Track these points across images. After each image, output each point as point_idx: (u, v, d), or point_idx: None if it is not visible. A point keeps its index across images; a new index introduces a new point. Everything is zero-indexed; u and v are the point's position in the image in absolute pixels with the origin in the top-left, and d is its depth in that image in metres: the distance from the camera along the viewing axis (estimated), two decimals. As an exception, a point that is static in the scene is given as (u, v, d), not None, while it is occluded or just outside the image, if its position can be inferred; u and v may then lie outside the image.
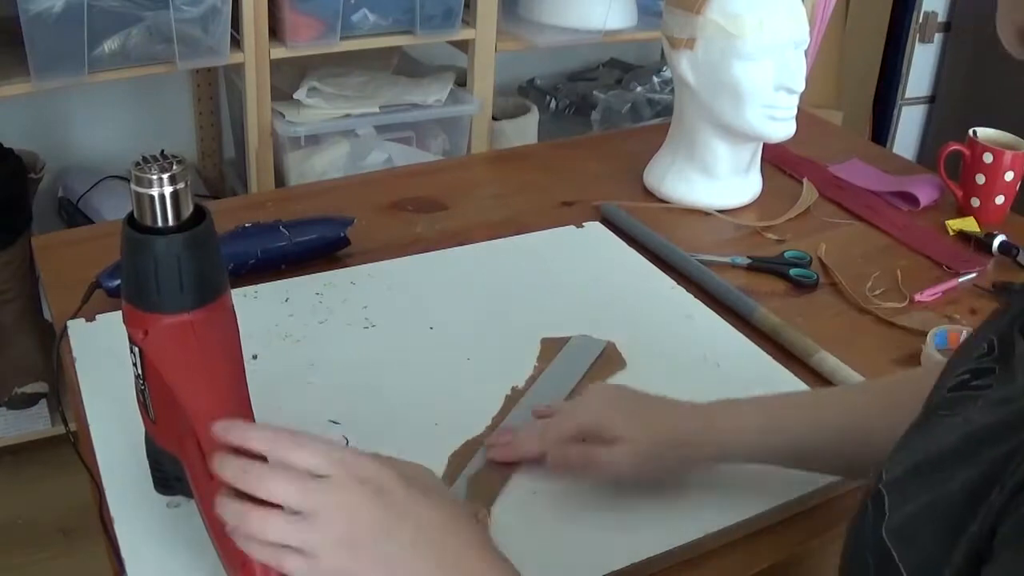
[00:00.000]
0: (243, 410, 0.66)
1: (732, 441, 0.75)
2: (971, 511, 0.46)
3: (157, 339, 0.65)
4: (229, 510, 0.57)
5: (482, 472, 0.80)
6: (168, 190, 0.62)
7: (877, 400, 0.77)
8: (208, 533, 0.65)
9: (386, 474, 0.58)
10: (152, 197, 0.63)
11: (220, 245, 0.67)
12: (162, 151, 0.64)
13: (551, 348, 0.96)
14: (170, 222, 0.63)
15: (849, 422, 0.75)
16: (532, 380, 0.91)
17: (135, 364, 0.67)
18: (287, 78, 1.76)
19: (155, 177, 0.62)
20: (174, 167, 0.63)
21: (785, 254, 1.17)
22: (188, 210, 0.64)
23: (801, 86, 1.18)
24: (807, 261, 1.16)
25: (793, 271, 1.13)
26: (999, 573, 0.43)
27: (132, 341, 0.66)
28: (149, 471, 0.75)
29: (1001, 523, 0.44)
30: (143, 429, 0.82)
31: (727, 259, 1.15)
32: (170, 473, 0.72)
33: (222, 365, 0.66)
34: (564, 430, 0.77)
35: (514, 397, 0.89)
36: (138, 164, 0.63)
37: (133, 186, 0.63)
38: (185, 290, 0.64)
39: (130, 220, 0.64)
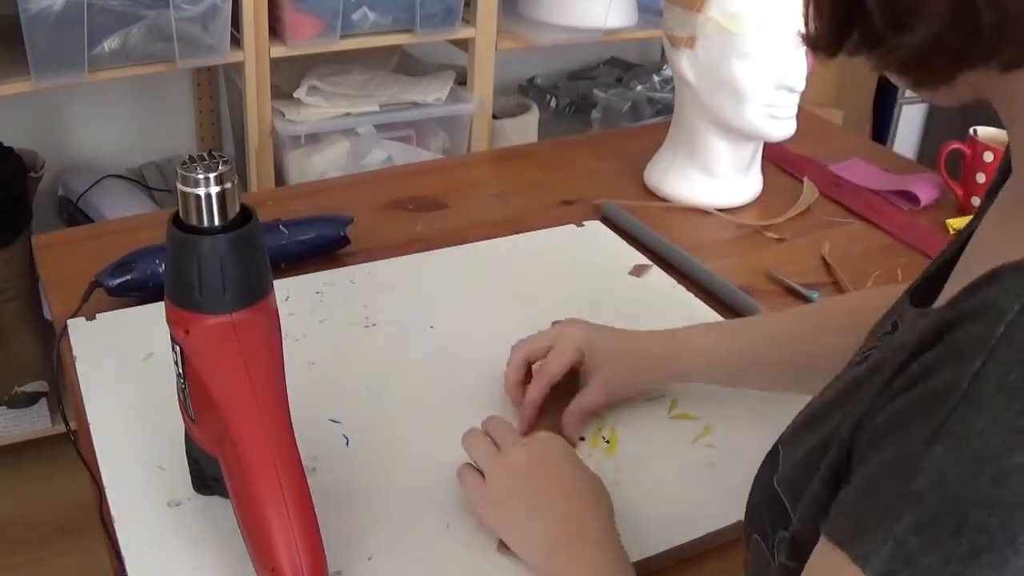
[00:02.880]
0: (281, 414, 0.65)
1: (695, 359, 0.85)
2: (834, 441, 0.48)
3: (198, 339, 0.64)
4: (466, 436, 0.78)
5: None
6: (215, 190, 0.62)
7: (831, 319, 0.83)
8: (242, 535, 0.65)
9: (560, 447, 0.75)
10: (198, 197, 0.62)
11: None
12: (209, 150, 0.63)
13: None
14: (216, 222, 0.63)
15: (800, 334, 0.82)
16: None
17: (176, 363, 0.67)
18: (287, 77, 1.76)
19: (201, 177, 0.61)
20: (220, 166, 0.62)
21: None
22: (234, 210, 0.63)
23: (801, 85, 1.18)
24: None
25: None
26: (856, 480, 0.44)
27: (174, 340, 0.66)
28: (147, 472, 0.75)
29: (859, 437, 0.45)
30: (143, 428, 0.82)
31: (804, 290, 1.10)
32: (208, 473, 0.72)
33: (262, 367, 0.65)
34: (543, 387, 0.85)
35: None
36: (184, 163, 0.62)
37: (179, 185, 0.62)
38: (228, 291, 0.63)
39: (175, 219, 0.64)
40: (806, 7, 0.48)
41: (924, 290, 0.55)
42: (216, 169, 0.62)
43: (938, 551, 0.38)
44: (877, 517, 0.40)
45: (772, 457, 0.57)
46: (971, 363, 0.39)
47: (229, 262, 0.63)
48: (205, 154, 0.63)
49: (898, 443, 0.41)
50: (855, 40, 0.46)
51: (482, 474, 0.74)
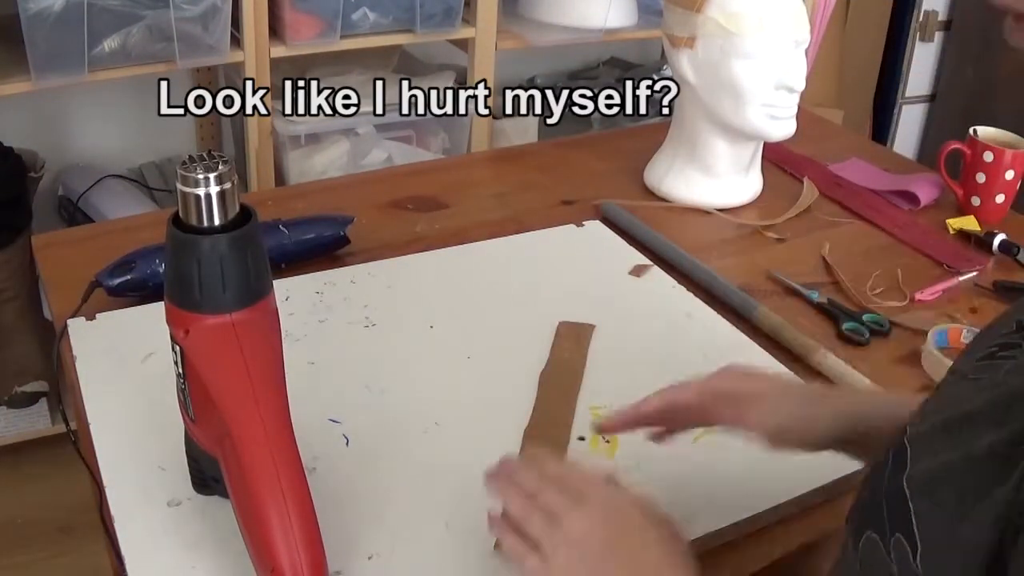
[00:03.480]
0: (281, 415, 0.65)
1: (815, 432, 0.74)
2: (996, 473, 0.45)
3: (198, 339, 0.64)
4: (505, 492, 0.66)
5: None
6: (215, 190, 0.62)
7: None
8: (242, 535, 0.65)
9: (629, 502, 0.64)
10: (198, 197, 0.62)
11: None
12: (209, 150, 0.63)
13: (570, 333, 0.97)
14: (216, 222, 0.63)
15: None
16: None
17: (176, 363, 0.67)
18: (287, 76, 1.75)
19: (201, 177, 0.61)
20: (220, 166, 0.62)
21: (864, 317, 1.06)
22: (234, 210, 0.63)
23: (801, 85, 1.18)
24: (885, 329, 1.05)
25: (847, 325, 1.04)
26: None
27: (174, 340, 0.66)
28: (147, 472, 0.75)
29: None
30: (143, 428, 0.82)
31: (804, 290, 1.10)
32: (208, 473, 0.72)
33: (262, 368, 0.65)
34: (714, 387, 0.77)
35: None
36: (184, 163, 0.62)
37: (179, 185, 0.62)
38: (228, 291, 0.63)
39: (175, 219, 0.63)
40: None
41: None
42: (216, 169, 0.62)
43: None
44: None
45: (898, 455, 0.54)
46: None
47: (229, 262, 0.63)
48: (205, 154, 0.63)
49: None
50: None
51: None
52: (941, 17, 2.67)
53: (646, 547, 0.63)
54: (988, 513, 0.45)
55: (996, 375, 0.52)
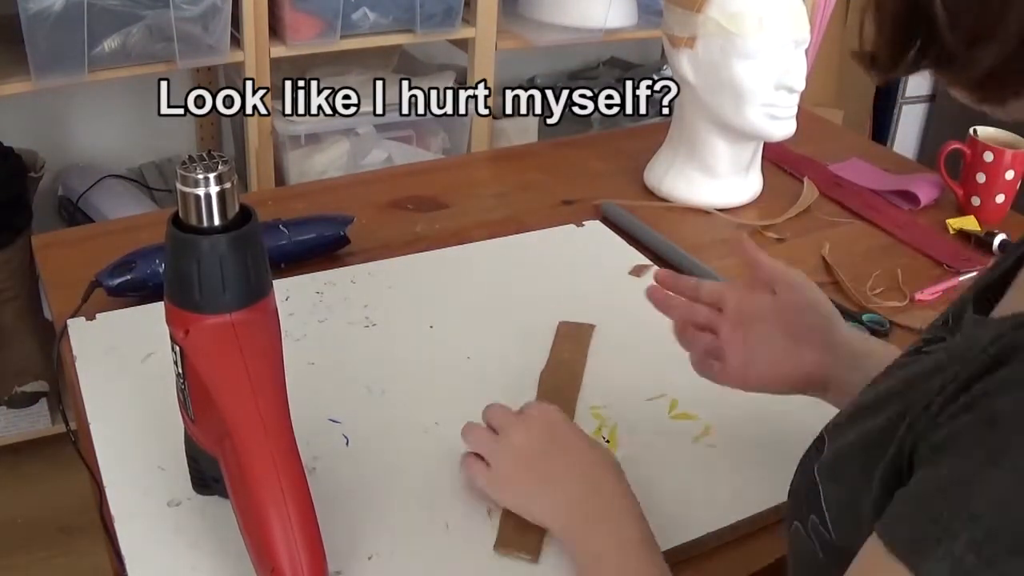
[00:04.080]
0: (281, 414, 0.65)
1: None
2: (883, 447, 0.49)
3: (198, 339, 0.64)
4: (464, 429, 0.78)
5: None
6: (215, 190, 0.62)
7: None
8: (242, 535, 0.65)
9: (561, 419, 0.76)
10: (198, 197, 0.62)
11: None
12: (209, 150, 0.63)
13: (570, 333, 0.97)
14: (215, 222, 0.62)
15: None
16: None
17: (176, 363, 0.67)
18: (287, 76, 1.76)
19: (201, 176, 0.61)
20: (220, 166, 0.62)
21: (864, 317, 1.07)
22: (234, 210, 0.63)
23: (801, 85, 1.18)
24: (885, 329, 1.05)
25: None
26: (914, 489, 0.45)
27: (173, 340, 0.66)
28: (147, 472, 0.75)
29: (919, 445, 0.46)
30: (143, 428, 0.82)
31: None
32: (208, 473, 0.72)
33: (261, 368, 0.65)
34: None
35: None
36: (184, 163, 0.62)
37: (179, 185, 0.62)
38: (228, 291, 0.63)
39: (175, 219, 0.63)
40: (861, 25, 0.47)
41: (983, 294, 0.56)
42: (216, 169, 0.62)
43: (993, 570, 0.39)
44: (936, 534, 0.41)
45: (817, 445, 0.58)
46: None
47: (229, 262, 0.63)
48: (205, 154, 0.63)
49: (958, 461, 0.43)
50: (920, 58, 0.45)
51: (485, 460, 0.75)
52: (941, 17, 2.67)
53: (581, 452, 0.73)
54: (879, 477, 0.49)
55: (912, 366, 0.55)
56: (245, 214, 0.64)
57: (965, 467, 0.42)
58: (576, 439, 0.74)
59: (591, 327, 0.99)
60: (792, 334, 0.77)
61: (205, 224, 0.62)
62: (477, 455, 0.76)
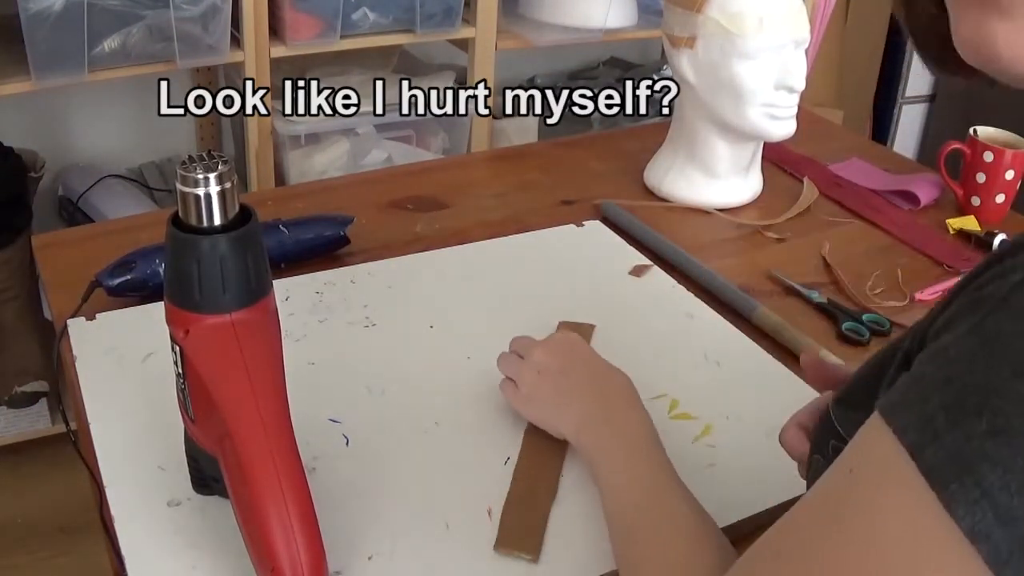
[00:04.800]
0: (281, 415, 0.65)
1: None
2: (895, 351, 0.54)
3: (198, 339, 0.64)
4: (499, 357, 0.87)
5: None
6: (215, 189, 0.62)
7: None
8: (242, 535, 0.65)
9: (579, 340, 0.85)
10: (198, 197, 0.62)
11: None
12: (209, 150, 0.63)
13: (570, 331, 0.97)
14: (216, 222, 0.62)
15: None
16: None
17: (176, 363, 0.67)
18: (287, 76, 1.76)
19: (201, 176, 0.61)
20: (220, 166, 0.62)
21: (864, 317, 1.06)
22: (234, 210, 0.63)
23: (802, 85, 1.18)
24: (885, 329, 1.04)
25: (847, 325, 1.03)
26: (912, 369, 0.48)
27: (173, 340, 0.66)
28: (147, 472, 0.75)
29: (925, 343, 0.50)
30: (143, 428, 0.82)
31: (804, 290, 1.09)
32: (208, 473, 0.72)
33: (262, 367, 0.65)
34: None
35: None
36: (184, 163, 0.62)
37: (179, 185, 0.62)
38: (228, 291, 0.63)
39: (175, 219, 0.63)
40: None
41: None
42: (216, 169, 0.62)
43: (960, 429, 0.42)
44: (915, 396, 0.45)
45: (827, 417, 0.63)
46: (1014, 276, 0.44)
47: (229, 262, 0.63)
48: (205, 154, 0.63)
49: (946, 336, 0.47)
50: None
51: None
52: (941, 17, 2.67)
53: (598, 368, 0.81)
54: (886, 385, 0.53)
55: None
56: (245, 214, 0.64)
57: (947, 339, 0.46)
58: (594, 358, 0.82)
59: (591, 327, 0.99)
60: None
61: (205, 224, 0.62)
62: (510, 380, 0.85)
